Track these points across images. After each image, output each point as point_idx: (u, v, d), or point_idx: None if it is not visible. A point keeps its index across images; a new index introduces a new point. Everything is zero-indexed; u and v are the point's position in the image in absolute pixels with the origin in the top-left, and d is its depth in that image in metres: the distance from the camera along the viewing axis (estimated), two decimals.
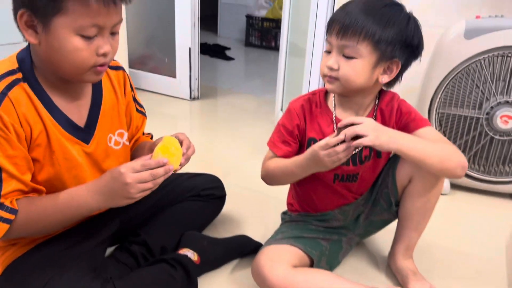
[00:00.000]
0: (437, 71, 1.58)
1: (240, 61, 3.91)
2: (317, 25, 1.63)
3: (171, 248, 1.19)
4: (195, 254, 1.15)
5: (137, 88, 2.82)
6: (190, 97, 2.68)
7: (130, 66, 2.71)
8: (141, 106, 1.18)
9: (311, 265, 1.14)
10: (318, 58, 1.67)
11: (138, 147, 1.17)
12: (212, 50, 3.93)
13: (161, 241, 1.18)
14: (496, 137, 1.60)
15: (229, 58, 3.83)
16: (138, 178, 0.86)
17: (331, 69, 1.01)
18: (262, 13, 4.27)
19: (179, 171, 1.00)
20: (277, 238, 1.17)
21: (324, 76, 1.05)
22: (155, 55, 2.83)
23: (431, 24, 1.93)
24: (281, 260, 1.07)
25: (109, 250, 1.21)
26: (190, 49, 2.58)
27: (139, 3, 2.73)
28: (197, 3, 2.51)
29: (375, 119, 1.10)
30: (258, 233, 1.35)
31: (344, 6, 1.02)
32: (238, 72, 3.60)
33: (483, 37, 1.50)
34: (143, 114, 1.19)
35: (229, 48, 4.10)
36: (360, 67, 1.00)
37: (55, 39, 0.84)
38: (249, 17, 4.31)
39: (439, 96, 1.60)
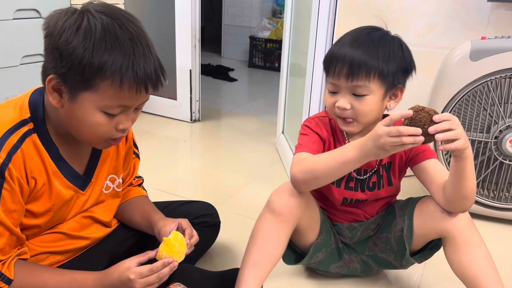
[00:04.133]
0: (442, 93, 1.53)
1: (243, 82, 3.89)
2: (317, 45, 1.59)
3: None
4: None
5: None
6: (191, 119, 2.64)
7: None
8: (136, 147, 1.17)
9: (313, 241, 1.15)
10: (318, 78, 1.63)
11: (130, 207, 1.16)
12: (215, 72, 3.92)
13: None
14: (506, 162, 1.53)
15: (232, 79, 3.81)
16: (146, 282, 0.89)
17: (343, 109, 1.03)
18: (266, 34, 4.27)
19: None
20: None
21: (337, 117, 1.07)
22: None
23: (436, 45, 1.89)
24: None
25: None
26: (190, 71, 2.55)
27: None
28: (197, 25, 2.49)
29: None
30: None
31: (340, 46, 1.03)
32: (241, 93, 3.57)
33: (489, 59, 1.45)
34: (137, 156, 1.19)
35: (232, 69, 4.09)
36: (373, 102, 1.02)
37: (79, 111, 0.84)
38: (252, 39, 4.31)
39: None
